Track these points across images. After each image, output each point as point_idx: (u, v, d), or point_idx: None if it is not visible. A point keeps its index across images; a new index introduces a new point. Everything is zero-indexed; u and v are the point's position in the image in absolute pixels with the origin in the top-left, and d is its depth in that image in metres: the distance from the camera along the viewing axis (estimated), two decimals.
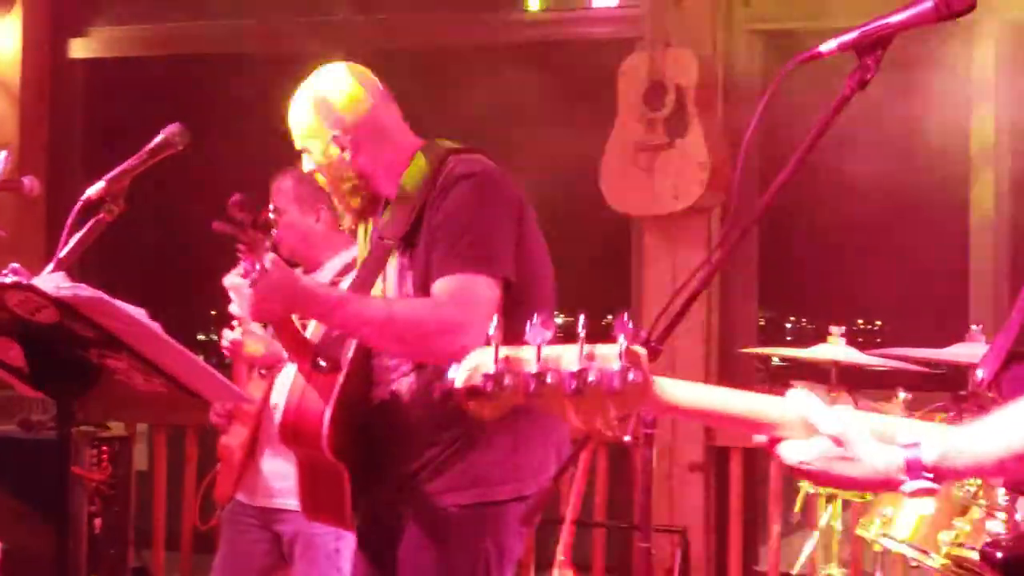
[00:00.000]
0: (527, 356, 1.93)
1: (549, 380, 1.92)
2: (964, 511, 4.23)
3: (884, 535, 4.34)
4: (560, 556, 5.65)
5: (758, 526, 6.31)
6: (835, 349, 4.60)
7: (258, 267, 3.18)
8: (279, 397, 3.53)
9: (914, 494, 2.05)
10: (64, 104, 7.42)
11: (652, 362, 2.73)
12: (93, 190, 3.28)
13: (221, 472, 4.80)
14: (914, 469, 2.05)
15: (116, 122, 7.02)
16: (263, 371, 4.62)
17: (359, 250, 3.75)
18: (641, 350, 1.96)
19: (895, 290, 6.49)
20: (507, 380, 1.92)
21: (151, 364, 3.05)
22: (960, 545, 4.19)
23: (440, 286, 3.31)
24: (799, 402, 2.12)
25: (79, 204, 3.27)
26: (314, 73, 3.59)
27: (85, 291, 2.96)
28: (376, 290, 3.55)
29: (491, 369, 1.92)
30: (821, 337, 4.70)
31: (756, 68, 6.23)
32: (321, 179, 3.61)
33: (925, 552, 4.27)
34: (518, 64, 6.87)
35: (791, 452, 2.12)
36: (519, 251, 3.38)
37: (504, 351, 1.93)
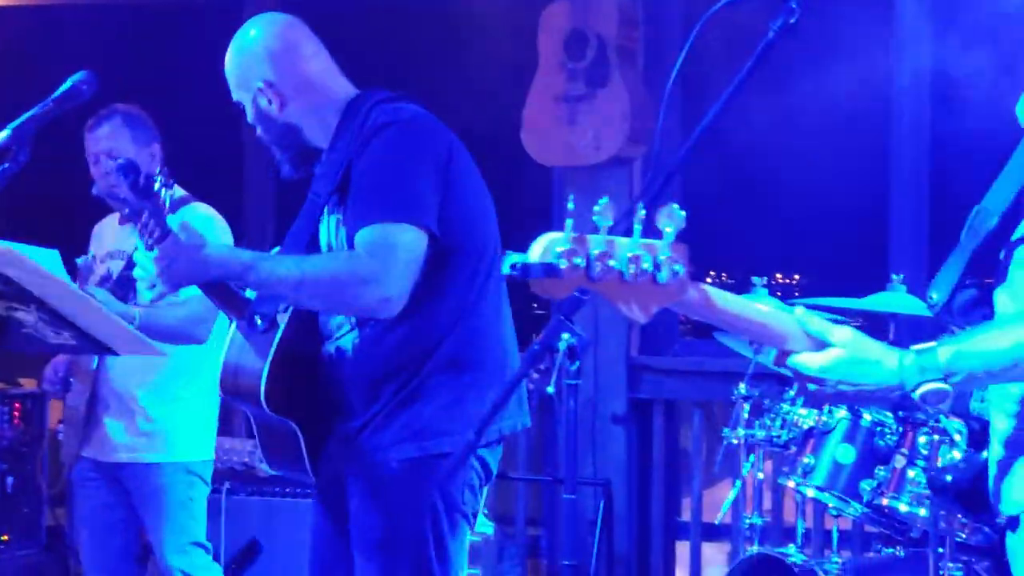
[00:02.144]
0: (594, 238, 1.98)
1: (611, 263, 1.98)
2: (885, 459, 4.25)
3: (805, 484, 4.36)
4: (483, 510, 5.64)
5: (681, 477, 6.33)
6: (759, 300, 4.59)
7: (157, 232, 3.11)
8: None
9: (926, 397, 2.14)
10: None
11: (576, 312, 2.72)
12: None
13: (65, 433, 4.74)
14: (929, 369, 2.14)
15: (24, 71, 6.88)
16: None
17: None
18: (684, 245, 2.04)
19: (813, 244, 6.50)
20: (578, 259, 1.97)
21: (60, 317, 2.98)
22: (881, 493, 4.21)
23: (359, 237, 3.24)
24: (806, 317, 2.24)
25: None
26: (245, 25, 3.54)
27: None
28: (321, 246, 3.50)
29: (564, 247, 1.96)
30: (741, 291, 4.69)
31: (677, 17, 6.20)
32: (258, 130, 3.54)
33: (846, 500, 4.30)
34: (437, 14, 6.79)
35: (810, 361, 2.21)
36: (449, 199, 3.31)
37: (573, 232, 1.97)
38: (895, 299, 4.34)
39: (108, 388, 4.66)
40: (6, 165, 3.11)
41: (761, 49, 2.50)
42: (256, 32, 3.50)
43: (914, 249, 5.86)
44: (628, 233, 2.10)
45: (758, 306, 2.24)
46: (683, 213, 2.01)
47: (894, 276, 4.42)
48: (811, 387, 2.23)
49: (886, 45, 5.89)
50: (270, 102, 3.45)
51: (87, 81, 3.23)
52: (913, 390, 2.15)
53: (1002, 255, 2.38)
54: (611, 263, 1.97)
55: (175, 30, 6.94)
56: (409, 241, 3.22)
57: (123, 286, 4.50)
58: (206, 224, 4.41)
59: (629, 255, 1.98)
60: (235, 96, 3.53)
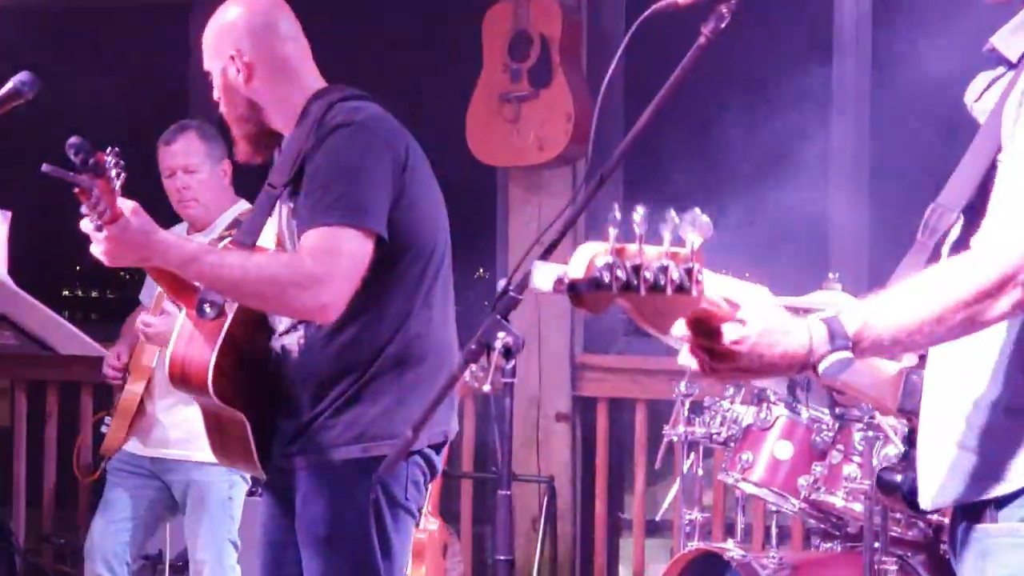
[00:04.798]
0: (631, 248, 1.89)
1: (646, 275, 1.89)
2: (822, 456, 4.32)
3: (744, 480, 4.42)
4: (427, 507, 5.68)
5: (624, 475, 6.38)
6: None
7: (107, 213, 3.11)
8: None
9: (829, 370, 2.07)
10: None
11: (513, 310, 2.75)
12: None
13: (113, 424, 4.81)
14: (836, 337, 2.08)
15: None
16: None
17: None
18: (701, 253, 1.94)
19: (758, 241, 6.56)
20: (619, 272, 1.88)
21: (2, 317, 3.00)
22: (818, 489, 4.28)
23: (305, 239, 3.26)
24: (723, 283, 2.13)
25: None
26: None
27: None
28: (269, 238, 3.51)
29: (609, 259, 1.88)
30: None
31: (620, 18, 6.25)
32: (221, 105, 3.56)
33: (784, 496, 4.36)
34: (381, 13, 6.81)
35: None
36: (402, 203, 3.33)
37: (615, 243, 1.88)
38: (831, 297, 4.39)
39: (166, 385, 4.71)
40: None
41: (692, 54, 2.54)
42: (239, 6, 3.52)
43: (855, 247, 5.93)
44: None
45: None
46: (707, 219, 1.92)
47: (830, 274, 4.47)
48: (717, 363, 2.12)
49: (827, 38, 5.96)
50: (238, 72, 3.46)
51: (28, 82, 3.24)
52: (819, 361, 2.08)
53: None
54: (647, 275, 1.89)
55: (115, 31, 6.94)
56: (354, 247, 3.24)
57: None
58: None
59: (658, 266, 1.90)
60: (206, 65, 3.55)
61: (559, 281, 1.89)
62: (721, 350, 2.09)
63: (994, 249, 2.12)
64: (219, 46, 3.50)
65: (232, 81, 3.49)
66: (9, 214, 4.08)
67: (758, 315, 2.10)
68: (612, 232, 1.89)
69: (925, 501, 2.32)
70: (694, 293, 1.92)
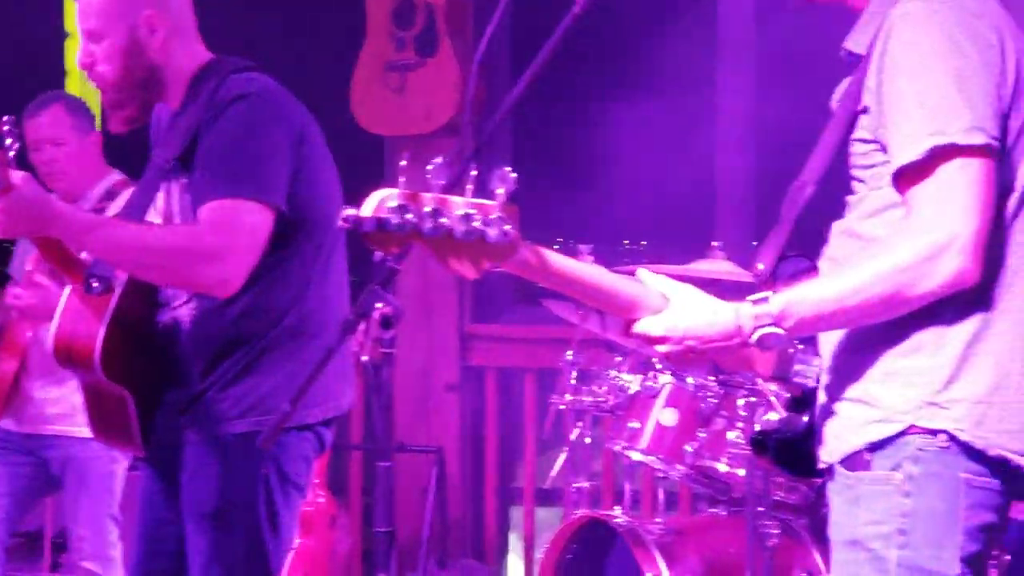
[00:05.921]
0: (426, 196, 2.01)
1: (443, 221, 2.01)
2: (707, 422, 4.35)
3: (630, 448, 4.44)
4: (314, 479, 5.65)
5: (514, 444, 6.39)
6: None
7: (2, 184, 3.04)
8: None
9: (762, 342, 2.26)
10: None
11: (391, 281, 2.73)
12: None
13: None
14: (761, 316, 2.27)
15: None
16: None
17: None
18: (515, 207, 2.08)
19: (644, 210, 6.60)
20: (409, 215, 1.99)
21: None
22: (702, 455, 4.31)
23: (203, 212, 3.19)
24: (652, 278, 2.35)
25: None
26: None
27: None
28: (153, 215, 3.44)
29: (395, 203, 1.98)
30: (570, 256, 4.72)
31: None
32: (99, 70, 3.34)
33: (670, 463, 4.38)
34: None
35: (652, 325, 2.32)
36: (300, 176, 3.28)
37: (405, 188, 2.00)
38: (715, 266, 4.43)
39: (42, 361, 4.63)
40: None
41: (565, 23, 2.54)
42: None
43: (743, 219, 5.98)
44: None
45: (599, 271, 2.30)
46: (514, 175, 2.05)
47: (714, 243, 4.50)
48: (660, 348, 2.32)
49: (712, 9, 6.00)
50: (152, 32, 3.31)
51: None
52: (750, 335, 2.27)
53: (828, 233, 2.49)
54: (443, 220, 2.00)
55: None
56: (254, 221, 3.18)
57: None
58: None
59: (460, 213, 2.02)
60: (96, 23, 3.33)
61: (345, 218, 1.99)
62: (656, 341, 2.31)
63: (920, 223, 2.26)
64: (126, 6, 3.31)
65: (141, 44, 3.32)
66: None
67: (683, 305, 2.32)
68: (401, 179, 2.00)
69: (824, 455, 2.43)
70: (504, 242, 2.05)
